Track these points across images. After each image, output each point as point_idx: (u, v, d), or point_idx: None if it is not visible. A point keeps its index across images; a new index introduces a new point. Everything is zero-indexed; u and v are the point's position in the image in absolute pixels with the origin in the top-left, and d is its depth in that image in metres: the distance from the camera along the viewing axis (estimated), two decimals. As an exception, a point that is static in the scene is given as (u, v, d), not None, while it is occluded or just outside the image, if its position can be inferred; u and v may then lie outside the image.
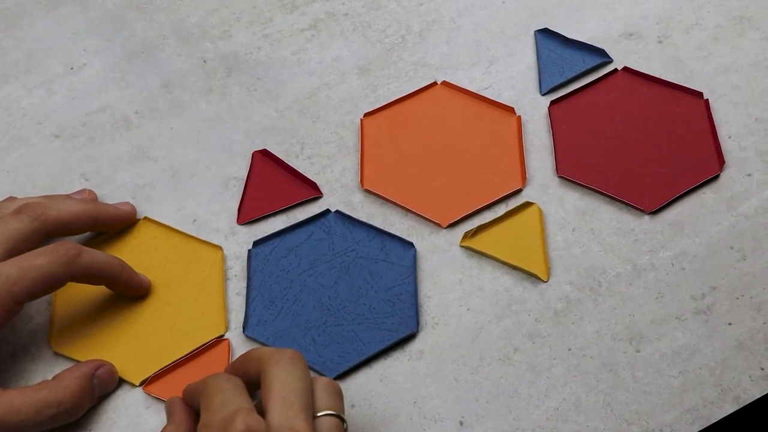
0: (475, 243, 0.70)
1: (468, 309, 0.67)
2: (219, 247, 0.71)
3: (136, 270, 0.69)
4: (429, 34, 0.83)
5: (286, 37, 0.84)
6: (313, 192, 0.73)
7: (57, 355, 0.67)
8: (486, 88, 0.79)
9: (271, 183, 0.74)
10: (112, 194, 0.75)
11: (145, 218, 0.73)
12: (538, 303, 0.67)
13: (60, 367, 0.66)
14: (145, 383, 0.65)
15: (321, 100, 0.79)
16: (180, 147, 0.78)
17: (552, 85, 0.78)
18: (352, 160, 0.75)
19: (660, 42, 0.80)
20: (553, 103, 0.77)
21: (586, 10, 0.83)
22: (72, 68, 0.84)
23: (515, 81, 0.79)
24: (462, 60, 0.81)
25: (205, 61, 0.83)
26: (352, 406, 0.63)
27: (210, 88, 0.81)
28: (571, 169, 0.73)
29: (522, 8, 0.84)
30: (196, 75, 0.82)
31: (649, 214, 0.70)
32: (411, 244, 0.70)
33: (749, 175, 0.72)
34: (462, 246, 0.70)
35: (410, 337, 0.66)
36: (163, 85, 0.82)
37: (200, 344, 0.66)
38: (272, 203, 0.73)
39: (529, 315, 0.66)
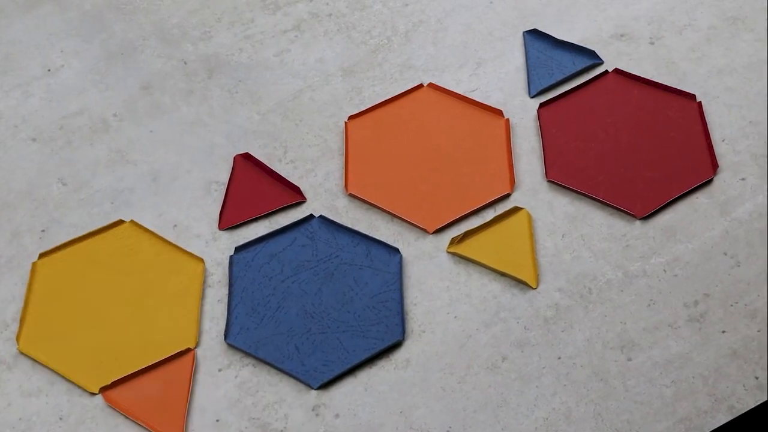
0: (463, 249, 0.69)
1: (455, 317, 0.67)
2: (201, 260, 0.71)
3: (112, 275, 0.70)
4: (415, 36, 0.83)
5: (269, 39, 0.84)
6: (297, 197, 0.73)
7: (23, 356, 0.68)
8: (473, 90, 0.78)
9: (254, 187, 0.74)
10: (91, 199, 0.75)
11: (131, 221, 0.73)
12: (527, 310, 0.67)
13: (37, 374, 0.66)
14: (105, 389, 0.65)
15: (304, 102, 0.79)
16: (160, 150, 0.77)
17: (541, 87, 0.78)
18: (336, 164, 0.75)
19: (652, 43, 0.80)
20: (542, 105, 0.76)
21: (576, 10, 0.83)
22: (49, 70, 0.83)
23: (503, 83, 0.79)
24: (449, 62, 0.81)
25: (185, 63, 0.83)
26: (336, 416, 0.63)
27: (191, 90, 0.81)
28: (561, 174, 0.73)
29: (510, 9, 0.84)
30: (176, 77, 0.82)
31: (640, 219, 0.70)
32: (397, 250, 0.70)
33: (743, 179, 0.72)
34: (449, 252, 0.70)
35: (396, 345, 0.66)
36: (143, 87, 0.81)
37: (166, 355, 0.66)
38: (254, 208, 0.73)
39: (517, 323, 0.66)
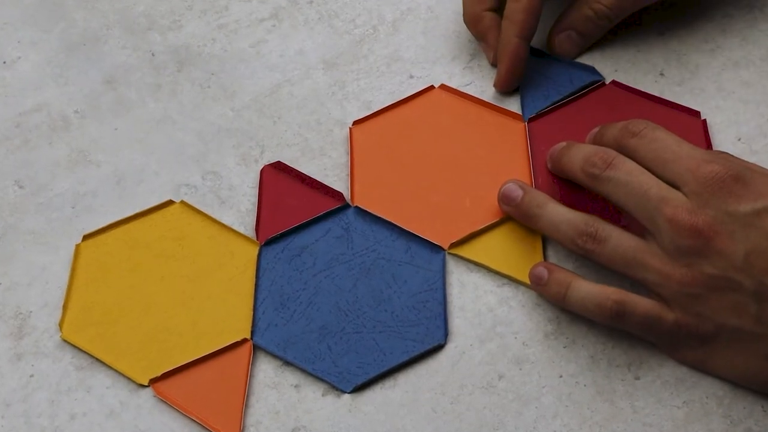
0: (465, 251, 0.69)
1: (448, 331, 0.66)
2: (256, 243, 0.71)
3: (160, 260, 0.70)
4: (403, 25, 0.83)
5: (244, 28, 0.84)
6: (337, 202, 0.72)
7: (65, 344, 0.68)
8: (467, 85, 0.78)
9: (288, 197, 0.73)
10: (50, 203, 0.74)
11: (182, 202, 0.73)
12: (526, 324, 0.66)
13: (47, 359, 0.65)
14: (155, 381, 0.65)
15: (283, 98, 0.79)
16: (125, 150, 0.77)
17: (537, 110, 0.76)
18: (317, 165, 0.75)
19: (662, 34, 0.79)
20: (531, 119, 0.75)
21: (579, -2, 0.82)
22: (4, 62, 0.83)
23: (500, 77, 0.78)
24: (440, 53, 0.80)
25: (153, 55, 0.83)
26: (317, 440, 0.62)
27: (159, 84, 0.80)
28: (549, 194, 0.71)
29: (507, -4, 0.83)
30: (143, 70, 0.82)
31: None
32: (439, 248, 0.69)
33: (761, 181, 0.71)
34: (450, 253, 0.69)
35: (436, 349, 0.66)
36: (107, 81, 0.81)
37: (220, 346, 0.67)
38: (292, 218, 0.72)
39: (515, 338, 0.66)
